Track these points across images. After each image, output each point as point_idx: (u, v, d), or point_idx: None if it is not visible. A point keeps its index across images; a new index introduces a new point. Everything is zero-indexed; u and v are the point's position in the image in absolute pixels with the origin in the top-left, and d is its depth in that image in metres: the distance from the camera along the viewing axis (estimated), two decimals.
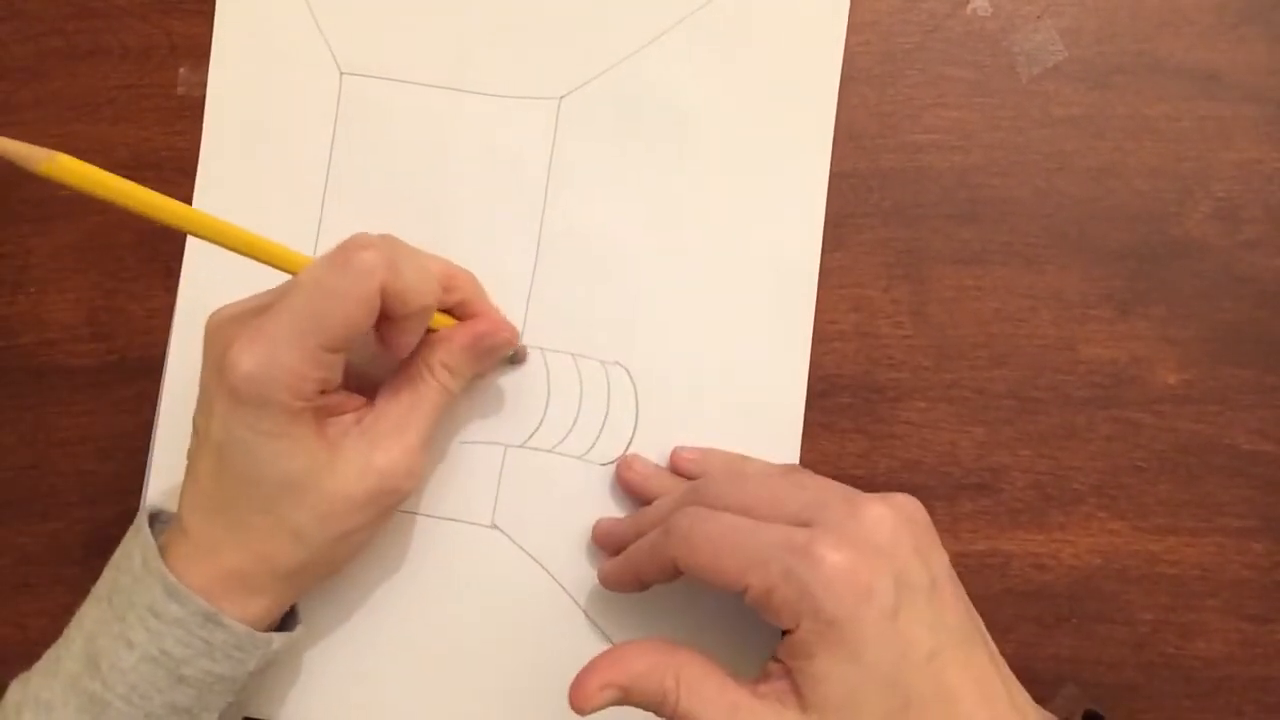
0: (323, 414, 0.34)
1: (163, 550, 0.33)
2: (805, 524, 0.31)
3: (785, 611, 0.30)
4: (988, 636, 0.32)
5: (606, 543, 0.38)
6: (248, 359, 0.31)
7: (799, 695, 0.29)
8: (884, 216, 0.39)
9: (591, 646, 0.39)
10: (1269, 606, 0.38)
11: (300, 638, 0.37)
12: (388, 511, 0.35)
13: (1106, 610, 0.38)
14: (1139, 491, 0.38)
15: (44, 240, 0.42)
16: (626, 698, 0.31)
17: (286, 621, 0.37)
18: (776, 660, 0.30)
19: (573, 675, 0.38)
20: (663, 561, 0.33)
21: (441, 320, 0.36)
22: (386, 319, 0.33)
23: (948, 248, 0.39)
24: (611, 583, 0.37)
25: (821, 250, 0.39)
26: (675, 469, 0.39)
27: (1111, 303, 0.39)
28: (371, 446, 0.34)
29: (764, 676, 0.30)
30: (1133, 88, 0.39)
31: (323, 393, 0.33)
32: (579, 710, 0.31)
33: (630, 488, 0.39)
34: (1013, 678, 0.32)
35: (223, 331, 0.33)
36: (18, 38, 0.42)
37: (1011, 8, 0.39)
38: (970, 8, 0.40)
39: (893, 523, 0.31)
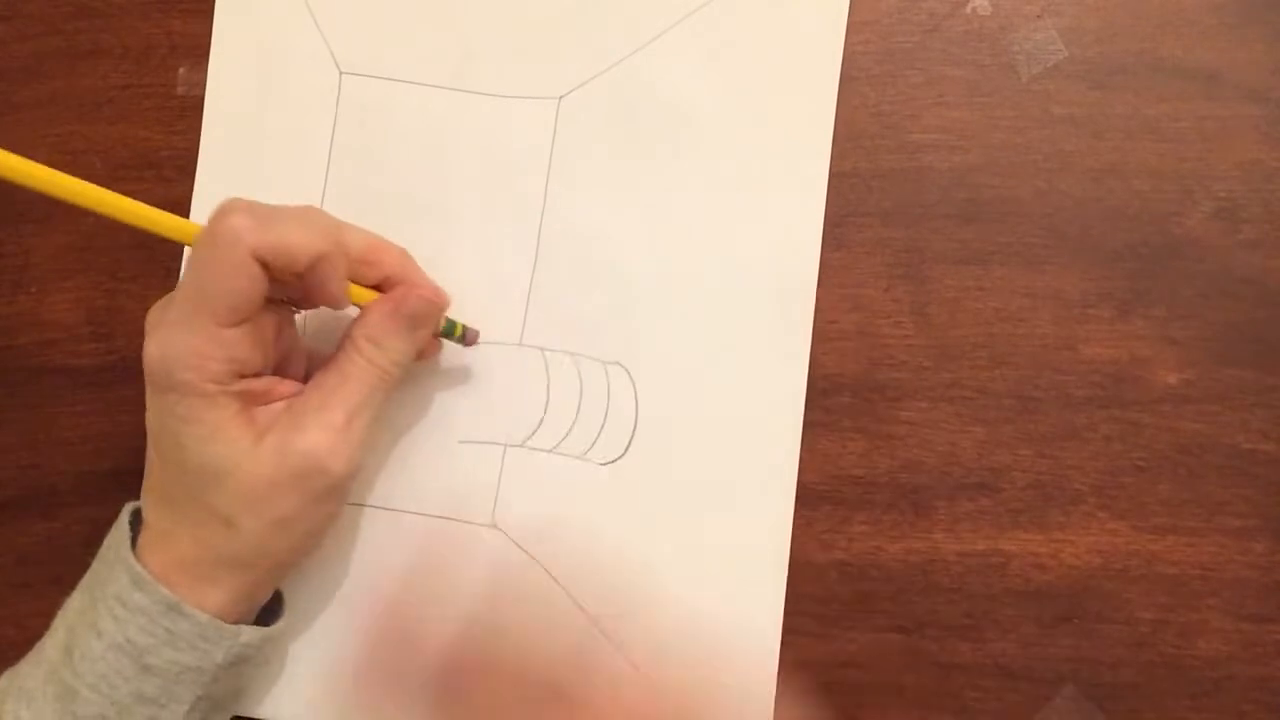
0: (252, 400, 0.33)
1: (134, 542, 0.34)
2: None
3: None
4: None
5: None
6: (151, 344, 0.32)
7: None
8: (884, 216, 0.39)
9: (591, 646, 0.39)
10: (1269, 606, 0.38)
11: (281, 633, 0.36)
12: (324, 496, 0.34)
13: (1106, 610, 0.38)
14: (1139, 491, 0.38)
15: (44, 240, 0.42)
16: None
17: (269, 617, 0.37)
18: None
19: (572, 675, 0.39)
20: None
21: (369, 295, 0.35)
22: (293, 281, 0.32)
23: (948, 248, 0.39)
24: None
25: (821, 250, 0.39)
26: None
27: (1111, 303, 0.39)
28: (292, 427, 0.33)
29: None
30: (1133, 88, 0.39)
31: (243, 376, 0.33)
32: None
33: None
34: None
35: (148, 320, 0.33)
36: (18, 38, 0.42)
37: (1011, 7, 0.39)
38: (970, 7, 0.40)
39: None
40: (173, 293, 0.33)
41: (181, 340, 0.31)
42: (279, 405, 0.34)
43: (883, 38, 0.40)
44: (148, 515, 0.34)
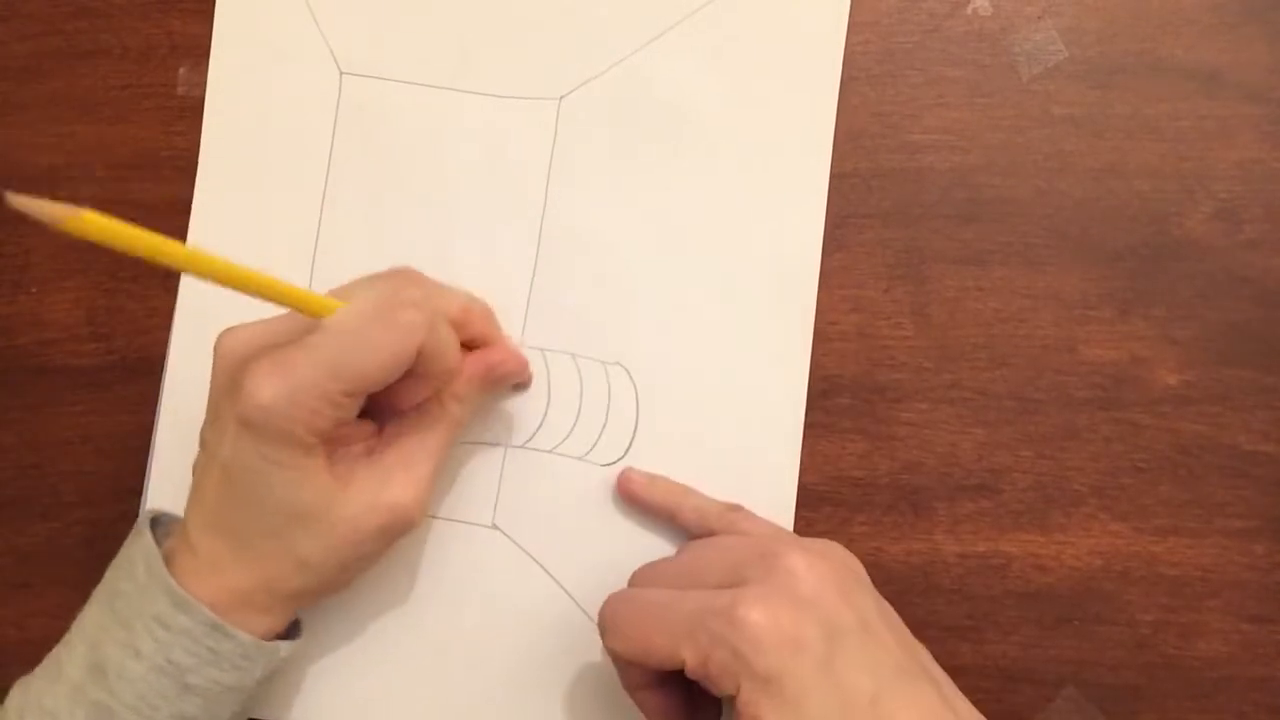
0: (333, 444, 0.34)
1: (167, 560, 0.33)
2: (729, 588, 0.31)
3: (724, 677, 0.29)
4: (931, 665, 0.32)
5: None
6: (267, 390, 0.31)
7: None
8: (884, 217, 0.39)
9: (591, 646, 0.39)
10: (1270, 607, 0.38)
11: (303, 643, 0.37)
12: (395, 541, 0.35)
13: (1107, 611, 0.38)
14: (1139, 492, 0.38)
15: (44, 240, 0.42)
16: None
17: (289, 629, 0.37)
18: None
19: (573, 675, 0.39)
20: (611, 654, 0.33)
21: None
22: (404, 375, 0.33)
23: (948, 248, 0.39)
24: None
25: (822, 250, 0.39)
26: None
27: (1112, 303, 0.39)
28: (382, 481, 0.34)
29: None
30: (1133, 87, 0.39)
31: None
32: None
33: (633, 499, 0.39)
34: (964, 702, 0.32)
35: (236, 354, 0.33)
36: (18, 38, 0.42)
37: (1012, 7, 0.39)
38: (970, 7, 0.40)
39: (812, 570, 0.31)
40: (263, 330, 0.33)
41: (303, 397, 0.31)
42: (357, 448, 0.35)
43: (883, 38, 0.40)
44: (197, 543, 0.33)
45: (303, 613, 0.37)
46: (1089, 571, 0.38)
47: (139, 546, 0.34)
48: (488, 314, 0.37)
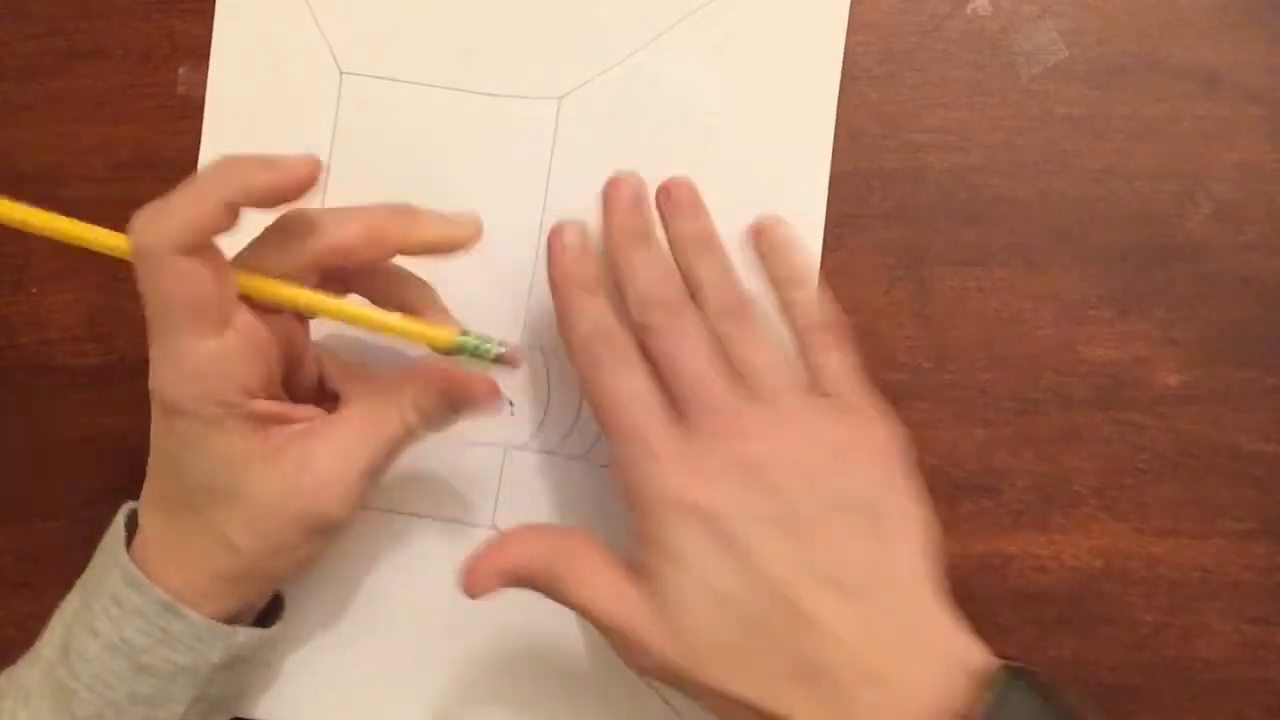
0: (263, 422, 0.32)
1: (133, 543, 0.34)
2: (692, 407, 0.31)
3: (627, 498, 0.30)
4: (915, 593, 0.31)
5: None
6: (150, 366, 0.32)
7: (660, 593, 0.30)
8: (884, 217, 0.39)
9: (591, 646, 0.39)
10: (1270, 608, 0.38)
11: (278, 636, 0.36)
12: (323, 534, 0.34)
13: (1107, 612, 0.38)
14: (1140, 493, 0.38)
15: (44, 240, 0.42)
16: (518, 582, 0.31)
17: (269, 619, 0.37)
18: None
19: (571, 675, 0.39)
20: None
21: (379, 319, 0.33)
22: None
23: (948, 248, 0.39)
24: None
25: (822, 250, 0.39)
26: (658, 206, 0.35)
27: (1112, 303, 0.39)
28: (303, 466, 0.32)
29: (641, 566, 0.30)
30: (1133, 88, 0.39)
31: (252, 395, 0.32)
32: (470, 594, 0.31)
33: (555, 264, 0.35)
34: (936, 644, 0.30)
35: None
36: (18, 38, 0.42)
37: (1012, 8, 0.39)
38: (970, 8, 0.40)
39: (774, 449, 0.30)
40: None
41: (167, 362, 0.31)
42: (296, 428, 0.33)
43: (883, 38, 0.40)
44: (145, 524, 0.34)
45: (298, 611, 0.37)
46: (1089, 572, 0.38)
47: (110, 533, 0.34)
48: (407, 229, 0.33)
